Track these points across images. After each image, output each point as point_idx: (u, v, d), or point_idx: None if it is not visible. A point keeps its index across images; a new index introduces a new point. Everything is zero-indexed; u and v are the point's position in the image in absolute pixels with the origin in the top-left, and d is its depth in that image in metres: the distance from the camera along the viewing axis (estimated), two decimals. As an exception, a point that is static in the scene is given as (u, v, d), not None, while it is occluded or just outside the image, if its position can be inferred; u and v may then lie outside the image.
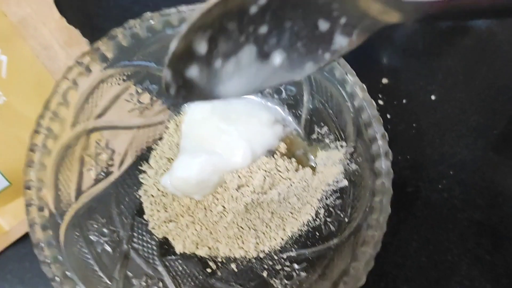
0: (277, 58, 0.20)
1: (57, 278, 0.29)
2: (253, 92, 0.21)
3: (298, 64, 0.21)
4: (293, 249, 0.37)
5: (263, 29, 0.19)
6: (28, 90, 0.40)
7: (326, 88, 0.36)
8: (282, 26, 0.20)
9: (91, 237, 0.35)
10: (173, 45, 0.18)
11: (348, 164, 0.36)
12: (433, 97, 0.47)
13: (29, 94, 0.40)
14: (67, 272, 0.30)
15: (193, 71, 0.20)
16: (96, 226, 0.36)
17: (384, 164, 0.32)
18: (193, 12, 0.17)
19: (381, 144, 0.33)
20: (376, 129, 0.33)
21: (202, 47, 0.19)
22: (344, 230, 0.35)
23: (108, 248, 0.36)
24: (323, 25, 0.20)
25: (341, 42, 0.20)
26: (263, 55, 0.20)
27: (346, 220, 0.35)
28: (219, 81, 0.20)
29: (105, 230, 0.36)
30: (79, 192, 0.35)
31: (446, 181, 0.44)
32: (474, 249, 0.42)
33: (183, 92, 0.20)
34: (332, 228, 0.36)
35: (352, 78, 0.34)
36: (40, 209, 0.31)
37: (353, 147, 0.35)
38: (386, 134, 0.33)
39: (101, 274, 0.33)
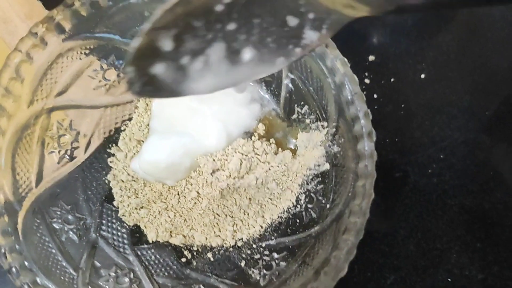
0: (247, 54, 0.21)
1: (13, 269, 0.28)
2: (224, 88, 0.20)
3: (269, 59, 0.21)
4: (273, 238, 0.36)
5: (231, 26, 0.20)
6: (-14, 67, 0.38)
7: (305, 62, 0.34)
8: (250, 23, 0.20)
9: (55, 224, 0.33)
10: (135, 43, 0.19)
11: (330, 146, 0.34)
12: (422, 76, 0.45)
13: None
14: (25, 262, 0.28)
15: (159, 68, 0.20)
16: (59, 213, 0.34)
17: (367, 146, 0.30)
18: (155, 10, 0.17)
19: (364, 124, 0.31)
20: (358, 107, 0.31)
21: (167, 45, 0.19)
22: (326, 217, 0.33)
23: (74, 237, 0.34)
24: (292, 21, 0.20)
25: (312, 36, 0.21)
26: (233, 52, 0.20)
27: (328, 206, 0.34)
28: (188, 78, 0.20)
29: (70, 217, 0.34)
30: (40, 177, 0.33)
31: (436, 166, 0.42)
32: (464, 236, 0.40)
33: (149, 88, 0.20)
34: (314, 215, 0.35)
35: (332, 51, 0.32)
36: (-6, 195, 0.29)
37: (334, 128, 0.34)
38: (369, 112, 0.31)
39: (65, 264, 0.31)
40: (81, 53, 0.34)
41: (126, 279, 0.34)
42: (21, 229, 0.30)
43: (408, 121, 0.44)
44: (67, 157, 0.35)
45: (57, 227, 0.33)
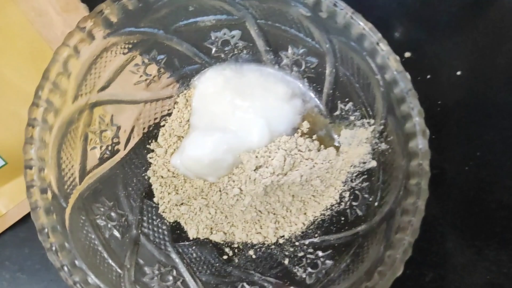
0: None
1: (65, 268, 0.27)
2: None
3: None
4: (316, 235, 0.35)
5: None
6: (22, 60, 0.37)
7: (352, 59, 0.33)
8: None
9: (98, 221, 0.33)
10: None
11: (376, 143, 0.34)
12: (458, 73, 0.44)
13: (23, 64, 0.37)
14: (75, 261, 0.28)
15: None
16: (102, 209, 0.33)
17: (421, 144, 0.30)
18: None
19: (418, 121, 0.30)
20: (411, 105, 0.31)
21: None
22: (373, 215, 0.33)
23: (117, 233, 0.34)
24: None
25: None
26: None
27: (376, 204, 0.33)
28: None
29: (112, 214, 0.34)
30: (83, 173, 0.33)
31: (472, 163, 0.42)
32: (502, 234, 0.40)
33: None
34: (359, 212, 0.35)
35: (384, 48, 0.31)
36: (43, 191, 0.29)
37: (382, 125, 0.33)
38: (422, 110, 0.31)
39: (111, 262, 0.31)
40: (124, 47, 0.33)
41: (170, 277, 0.33)
42: (68, 226, 0.30)
43: (444, 118, 0.43)
44: (108, 152, 0.35)
45: (101, 224, 0.33)
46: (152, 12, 0.33)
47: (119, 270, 0.31)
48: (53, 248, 0.28)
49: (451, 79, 0.44)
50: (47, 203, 0.29)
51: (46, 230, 0.28)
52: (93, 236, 0.31)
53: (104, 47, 0.32)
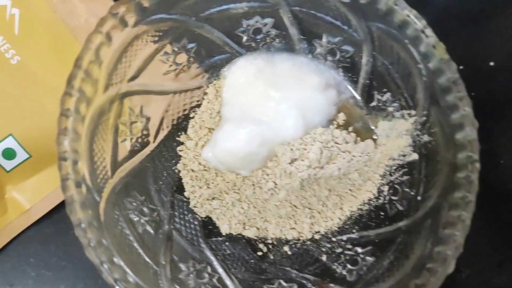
0: None
1: (105, 266, 0.26)
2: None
3: None
4: (354, 231, 0.34)
5: None
6: (45, 49, 0.36)
7: (392, 47, 0.32)
8: None
9: (131, 216, 0.32)
10: None
11: (418, 135, 0.33)
12: (491, 64, 0.43)
13: (46, 53, 0.36)
14: (113, 258, 0.27)
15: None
16: (135, 204, 0.32)
17: (470, 135, 0.29)
18: None
19: (466, 112, 0.29)
20: (458, 95, 0.30)
21: None
22: (416, 210, 0.32)
23: (150, 229, 0.32)
24: None
25: None
26: None
27: (419, 198, 0.32)
28: None
29: (144, 209, 0.33)
30: (115, 166, 0.32)
31: (507, 156, 0.41)
32: (539, 229, 0.39)
33: None
34: (400, 207, 0.34)
35: (430, 35, 0.30)
36: (78, 184, 0.28)
37: (425, 116, 0.32)
38: (470, 101, 0.30)
39: (147, 259, 0.30)
40: (154, 35, 0.32)
41: (205, 274, 0.32)
42: (104, 221, 0.29)
43: (478, 110, 0.42)
44: (138, 145, 0.34)
45: (134, 219, 0.32)
46: (185, -4, 0.31)
47: (155, 267, 0.30)
48: (91, 244, 0.26)
49: (484, 70, 0.43)
50: (82, 197, 0.28)
51: (83, 225, 0.27)
52: (127, 232, 0.30)
53: (135, 35, 0.31)
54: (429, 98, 0.32)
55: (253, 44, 0.36)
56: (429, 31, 0.30)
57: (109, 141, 0.31)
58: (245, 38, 0.36)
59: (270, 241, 0.35)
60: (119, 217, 0.30)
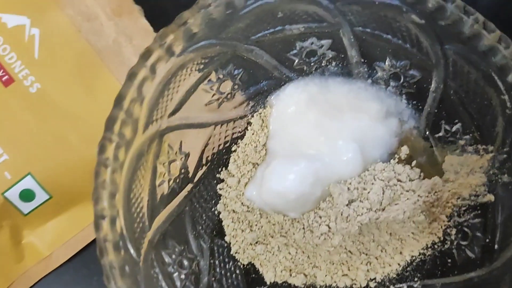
0: None
1: None
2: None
3: None
4: (416, 279, 0.31)
5: None
6: (68, 74, 0.33)
7: (469, 74, 0.29)
8: None
9: (170, 270, 0.28)
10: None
11: (495, 174, 0.30)
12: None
13: (69, 79, 0.33)
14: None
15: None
16: (174, 256, 0.29)
17: None
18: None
19: (561, 154, 0.26)
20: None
21: None
22: (492, 260, 0.29)
23: (190, 284, 0.29)
24: None
25: None
26: None
27: (496, 247, 0.29)
28: None
29: (184, 260, 0.29)
30: (152, 214, 0.28)
31: None
32: None
33: None
34: (470, 254, 0.30)
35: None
36: (116, 246, 0.24)
37: (506, 154, 0.29)
38: None
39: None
40: (200, 63, 0.28)
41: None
42: (144, 285, 0.25)
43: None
44: (176, 186, 0.30)
45: (174, 275, 0.28)
46: (236, 20, 0.28)
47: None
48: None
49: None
50: (120, 261, 0.24)
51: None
52: (168, 292, 0.27)
53: (181, 64, 0.27)
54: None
55: (305, 68, 0.32)
56: (517, 60, 0.27)
57: (146, 186, 0.28)
58: (296, 61, 0.32)
59: (318, 289, 0.32)
60: (158, 274, 0.27)
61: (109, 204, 0.24)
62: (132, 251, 0.25)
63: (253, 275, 0.32)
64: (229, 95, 0.32)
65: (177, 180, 0.30)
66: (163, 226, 0.29)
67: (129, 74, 0.25)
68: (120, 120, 0.24)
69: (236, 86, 0.32)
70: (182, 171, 0.31)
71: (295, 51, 0.32)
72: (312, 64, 0.32)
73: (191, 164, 0.31)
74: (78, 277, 0.33)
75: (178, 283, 0.29)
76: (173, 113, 0.29)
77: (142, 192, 0.27)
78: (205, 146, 0.32)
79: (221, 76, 0.30)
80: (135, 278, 0.25)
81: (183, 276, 0.29)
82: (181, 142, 0.30)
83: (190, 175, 0.31)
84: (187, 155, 0.31)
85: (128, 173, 0.26)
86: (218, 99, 0.31)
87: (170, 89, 0.28)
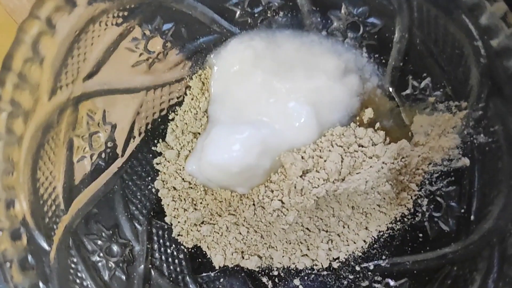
0: None
1: None
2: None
3: None
4: (384, 257, 0.29)
5: None
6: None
7: (436, 19, 0.26)
8: None
9: (95, 259, 0.26)
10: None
11: (470, 135, 0.27)
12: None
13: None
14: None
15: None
16: (100, 242, 0.27)
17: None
18: None
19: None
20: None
21: None
22: (469, 233, 0.27)
23: (120, 273, 0.27)
24: None
25: None
26: None
27: (472, 217, 0.27)
28: None
29: (113, 246, 0.27)
30: (70, 195, 0.26)
31: None
32: None
33: None
34: (444, 227, 0.28)
35: (494, 4, 0.24)
36: (15, 235, 0.21)
37: (481, 110, 0.26)
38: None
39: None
40: (118, 16, 0.25)
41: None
42: (56, 278, 0.23)
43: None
44: (102, 162, 0.27)
45: (99, 263, 0.26)
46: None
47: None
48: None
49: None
50: (21, 251, 0.21)
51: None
52: (89, 283, 0.24)
53: (90, 17, 0.24)
54: (488, 86, 0.26)
55: (249, 20, 0.30)
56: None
57: (60, 163, 0.25)
58: (238, 12, 0.29)
59: (276, 273, 0.30)
60: (78, 264, 0.24)
61: (2, 186, 0.21)
62: (39, 239, 0.22)
63: (200, 260, 0.30)
64: (160, 55, 0.29)
65: (103, 155, 0.28)
66: (85, 209, 0.26)
67: (19, 29, 0.22)
68: (10, 84, 0.21)
69: (168, 44, 0.29)
70: (108, 144, 0.28)
71: (235, 1, 0.29)
72: (256, 15, 0.30)
73: (120, 136, 0.29)
74: None
75: (105, 273, 0.26)
76: (89, 76, 0.26)
77: (53, 170, 0.25)
78: (136, 115, 0.29)
79: (147, 32, 0.28)
80: (42, 271, 0.22)
81: (111, 265, 0.26)
82: (104, 111, 0.27)
83: (119, 149, 0.28)
84: (114, 126, 0.28)
85: (30, 149, 0.23)
86: (147, 60, 0.28)
87: (81, 47, 0.25)
